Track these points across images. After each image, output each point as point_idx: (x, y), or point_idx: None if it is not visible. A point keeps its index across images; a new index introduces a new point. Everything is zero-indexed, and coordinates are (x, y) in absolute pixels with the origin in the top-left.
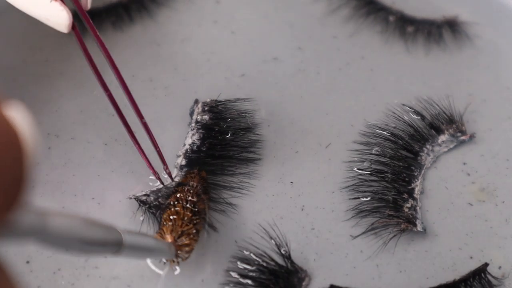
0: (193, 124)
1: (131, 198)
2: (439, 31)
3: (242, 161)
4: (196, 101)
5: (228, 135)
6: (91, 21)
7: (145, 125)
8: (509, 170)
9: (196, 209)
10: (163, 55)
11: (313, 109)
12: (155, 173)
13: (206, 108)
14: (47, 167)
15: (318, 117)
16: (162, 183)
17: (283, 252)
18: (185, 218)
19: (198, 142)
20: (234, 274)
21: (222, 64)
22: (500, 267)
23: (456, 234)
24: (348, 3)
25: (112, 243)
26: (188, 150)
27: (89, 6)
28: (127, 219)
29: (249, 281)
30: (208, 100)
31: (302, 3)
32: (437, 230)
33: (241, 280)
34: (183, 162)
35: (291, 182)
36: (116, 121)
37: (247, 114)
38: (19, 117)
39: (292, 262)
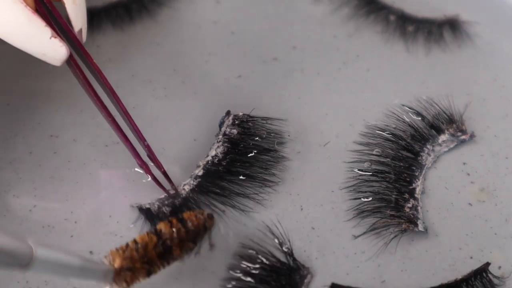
0: (220, 136)
1: (133, 206)
2: (440, 30)
3: (259, 181)
4: (228, 113)
5: (252, 153)
6: (90, 55)
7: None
8: (509, 170)
9: (166, 253)
10: (163, 55)
11: (312, 109)
12: (143, 164)
13: (236, 122)
14: (49, 170)
15: (318, 117)
16: (154, 178)
17: (285, 250)
18: (147, 255)
19: (220, 156)
20: (236, 271)
21: (222, 64)
22: (500, 267)
23: (456, 234)
24: (349, 2)
25: (21, 255)
26: (209, 162)
27: (84, 38)
28: (130, 222)
29: (251, 278)
30: (240, 114)
31: (302, 3)
32: (437, 230)
33: (243, 277)
34: (201, 173)
35: (292, 180)
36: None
37: (276, 135)
38: None
39: (294, 260)
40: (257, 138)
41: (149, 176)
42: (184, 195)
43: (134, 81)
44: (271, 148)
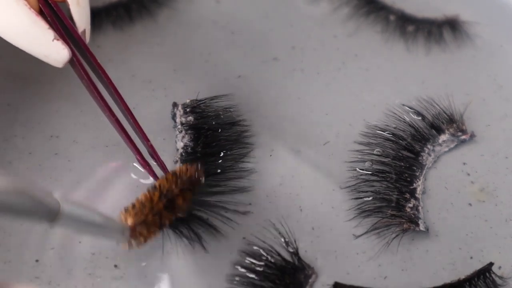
0: (179, 127)
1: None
2: (440, 30)
3: (239, 154)
4: (175, 104)
5: (219, 131)
6: (94, 56)
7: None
8: (509, 170)
9: (171, 204)
10: (163, 56)
11: (312, 109)
12: (146, 165)
13: (187, 110)
14: (50, 171)
15: (318, 117)
16: (157, 178)
17: (290, 249)
18: (155, 208)
19: (191, 144)
20: (240, 268)
21: (222, 64)
22: (500, 267)
23: (456, 234)
24: (349, 2)
25: (49, 207)
26: (183, 154)
27: (87, 39)
28: None
29: (255, 276)
30: (188, 101)
31: (302, 3)
32: (437, 230)
33: (248, 274)
34: None
35: (291, 181)
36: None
37: (229, 109)
38: None
39: (299, 259)
40: (214, 116)
41: (151, 176)
42: None
43: (134, 81)
44: (232, 121)
